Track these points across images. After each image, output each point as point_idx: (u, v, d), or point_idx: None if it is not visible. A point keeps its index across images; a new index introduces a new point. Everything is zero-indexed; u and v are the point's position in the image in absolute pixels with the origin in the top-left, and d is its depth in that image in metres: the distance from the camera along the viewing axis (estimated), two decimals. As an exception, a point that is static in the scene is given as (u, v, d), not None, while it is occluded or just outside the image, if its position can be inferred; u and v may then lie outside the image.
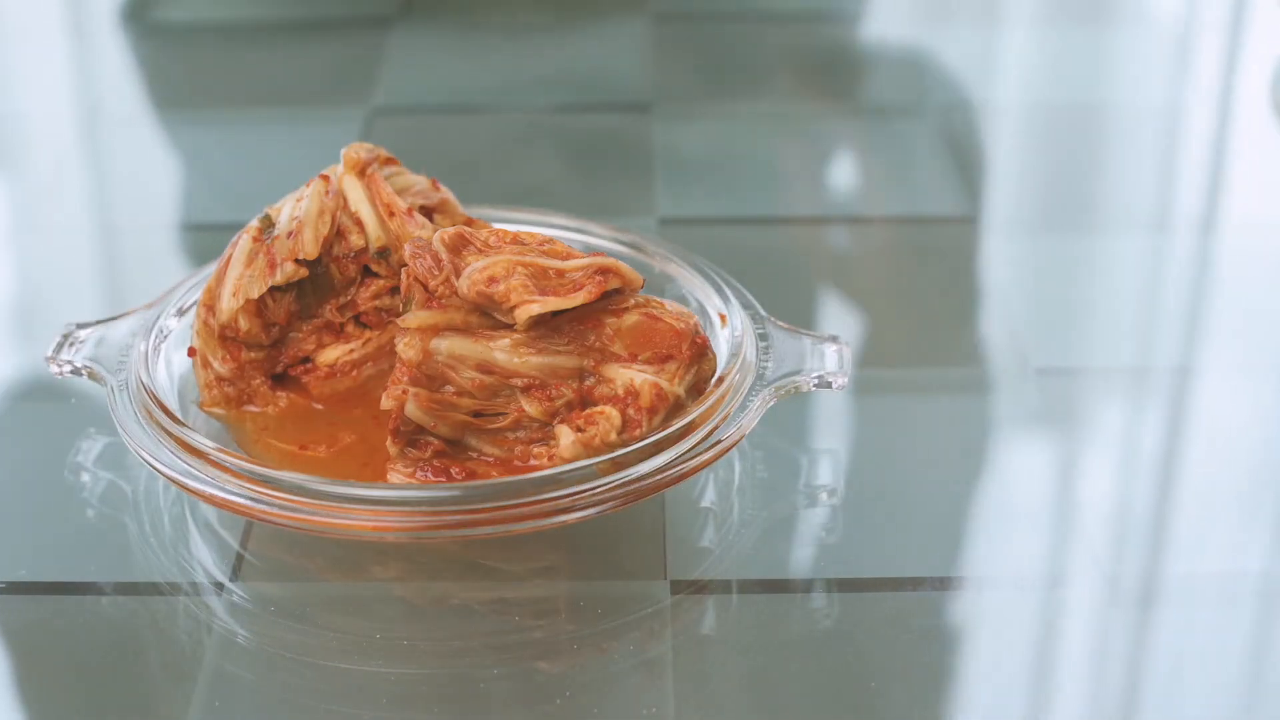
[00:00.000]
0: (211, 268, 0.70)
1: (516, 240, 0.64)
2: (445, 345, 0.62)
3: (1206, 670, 0.60)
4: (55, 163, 0.98)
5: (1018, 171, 0.98)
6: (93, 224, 0.92)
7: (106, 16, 1.18)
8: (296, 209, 0.68)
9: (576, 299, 0.62)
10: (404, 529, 0.60)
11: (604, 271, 0.63)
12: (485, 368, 0.62)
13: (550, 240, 0.65)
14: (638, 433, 0.61)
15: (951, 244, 0.88)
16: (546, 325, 0.62)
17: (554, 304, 0.62)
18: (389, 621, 0.62)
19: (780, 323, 0.69)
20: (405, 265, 0.64)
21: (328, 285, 0.69)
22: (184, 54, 1.14)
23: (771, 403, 0.65)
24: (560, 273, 0.63)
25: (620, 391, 0.62)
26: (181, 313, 0.70)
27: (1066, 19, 1.20)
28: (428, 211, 0.70)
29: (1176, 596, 0.64)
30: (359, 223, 0.68)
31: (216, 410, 0.68)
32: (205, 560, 0.64)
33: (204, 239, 0.92)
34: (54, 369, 0.68)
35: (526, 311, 0.61)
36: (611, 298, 0.63)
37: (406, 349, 0.62)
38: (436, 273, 0.62)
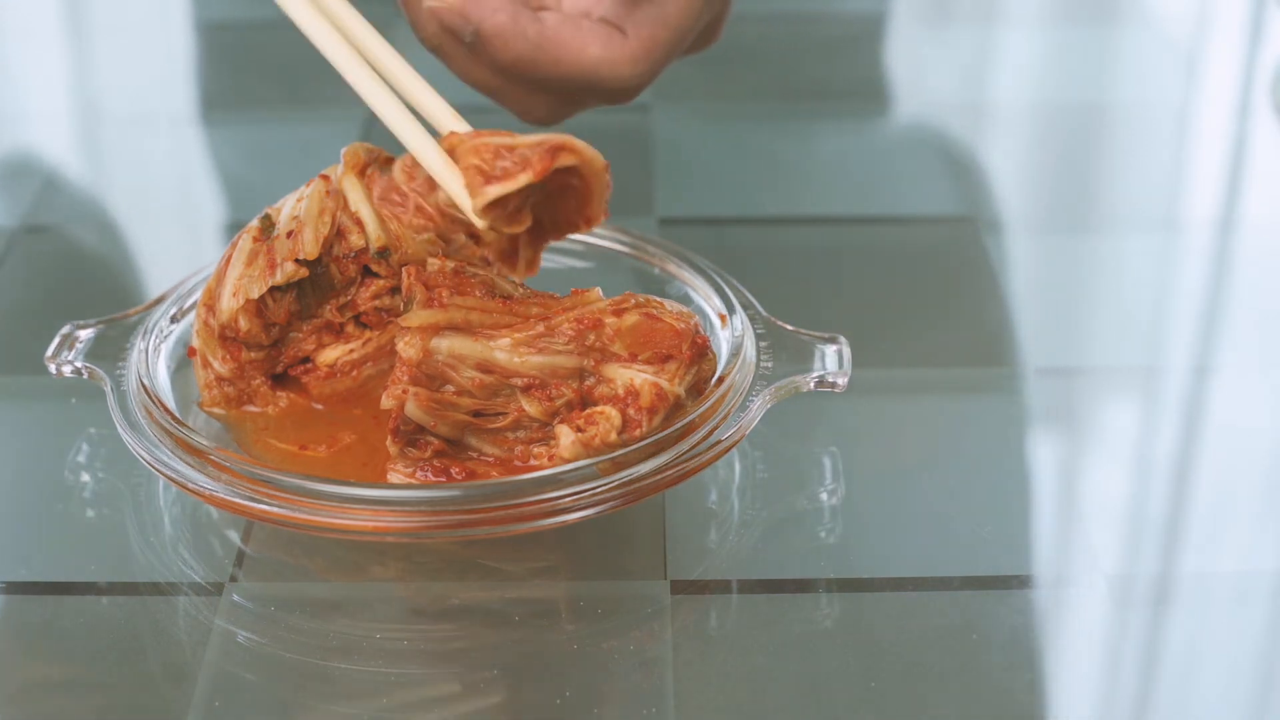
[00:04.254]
0: (211, 268, 0.70)
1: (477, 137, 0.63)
2: (445, 344, 0.62)
3: (1217, 671, 0.60)
4: (55, 162, 0.98)
5: (1018, 171, 0.98)
6: (93, 223, 0.92)
7: (105, 16, 1.18)
8: (296, 209, 0.68)
9: (521, 179, 0.60)
10: (404, 529, 0.60)
11: (557, 148, 0.61)
12: (485, 367, 0.62)
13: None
14: (638, 433, 0.61)
15: (951, 244, 0.88)
16: (546, 323, 0.62)
17: (497, 190, 0.60)
18: (389, 621, 0.62)
19: (780, 323, 0.69)
20: (405, 265, 0.64)
21: (328, 285, 0.69)
22: (183, 53, 1.14)
23: (771, 403, 0.65)
24: (511, 149, 0.61)
25: (620, 391, 0.62)
26: (181, 313, 0.70)
27: (1065, 19, 1.20)
28: (428, 211, 0.70)
29: (1185, 597, 0.64)
30: (359, 223, 0.68)
31: (216, 410, 0.68)
32: (205, 560, 0.64)
33: (204, 239, 0.92)
34: (54, 369, 0.68)
35: (482, 198, 0.60)
36: (570, 177, 0.61)
37: (407, 348, 0.62)
38: (404, 210, 0.61)
